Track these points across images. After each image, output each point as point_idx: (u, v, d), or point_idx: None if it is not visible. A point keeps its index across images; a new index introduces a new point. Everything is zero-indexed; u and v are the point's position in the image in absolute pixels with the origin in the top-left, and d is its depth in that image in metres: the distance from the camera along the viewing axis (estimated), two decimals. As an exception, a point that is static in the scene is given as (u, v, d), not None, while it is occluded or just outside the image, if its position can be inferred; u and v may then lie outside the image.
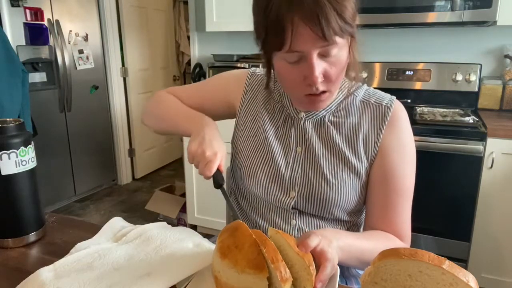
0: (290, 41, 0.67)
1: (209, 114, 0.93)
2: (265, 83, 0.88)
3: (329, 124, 0.84)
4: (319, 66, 0.70)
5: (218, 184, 0.79)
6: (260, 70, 0.95)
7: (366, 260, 0.71)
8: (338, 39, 0.67)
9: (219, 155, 0.77)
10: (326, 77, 0.72)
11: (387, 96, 0.85)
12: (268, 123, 0.89)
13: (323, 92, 0.74)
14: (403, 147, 0.82)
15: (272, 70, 0.80)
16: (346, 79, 0.86)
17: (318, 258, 0.61)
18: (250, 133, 0.91)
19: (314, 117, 0.85)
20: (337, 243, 0.66)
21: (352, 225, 0.89)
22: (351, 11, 0.68)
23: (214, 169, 0.76)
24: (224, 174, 0.80)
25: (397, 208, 0.81)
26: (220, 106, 0.96)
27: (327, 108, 0.84)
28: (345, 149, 0.82)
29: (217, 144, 0.79)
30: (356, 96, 0.85)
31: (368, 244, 0.74)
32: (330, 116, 0.85)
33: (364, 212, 0.92)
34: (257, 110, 0.91)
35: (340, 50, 0.70)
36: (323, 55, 0.70)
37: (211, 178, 0.77)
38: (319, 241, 0.61)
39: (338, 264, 0.64)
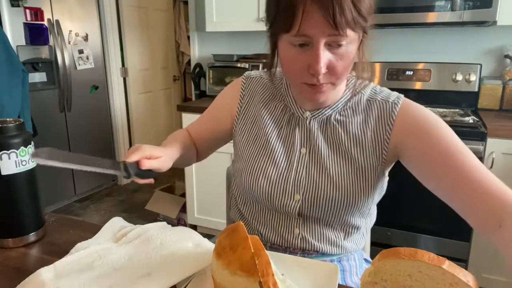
0: (300, 24, 0.64)
1: (224, 135, 0.94)
2: (268, 65, 0.83)
3: (335, 123, 0.81)
4: (324, 57, 0.67)
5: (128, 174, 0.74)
6: (255, 72, 0.94)
7: None
8: (349, 31, 0.65)
9: (144, 148, 0.75)
10: (330, 70, 0.69)
11: (394, 93, 0.83)
12: (270, 124, 0.86)
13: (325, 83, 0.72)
14: (427, 122, 0.74)
15: (276, 56, 0.77)
16: (352, 77, 0.84)
17: None
18: (250, 136, 0.88)
19: (320, 116, 0.82)
20: None
21: (357, 231, 0.87)
22: (368, 4, 0.66)
23: (131, 158, 0.73)
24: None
25: (473, 172, 0.66)
26: (229, 122, 0.94)
27: (334, 107, 0.81)
28: (352, 149, 0.80)
29: (152, 147, 0.78)
30: (363, 95, 0.82)
31: None
32: (337, 115, 0.82)
33: (370, 215, 0.89)
34: (256, 111, 0.89)
35: (349, 43, 0.68)
36: (331, 46, 0.67)
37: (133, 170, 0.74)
38: None
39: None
